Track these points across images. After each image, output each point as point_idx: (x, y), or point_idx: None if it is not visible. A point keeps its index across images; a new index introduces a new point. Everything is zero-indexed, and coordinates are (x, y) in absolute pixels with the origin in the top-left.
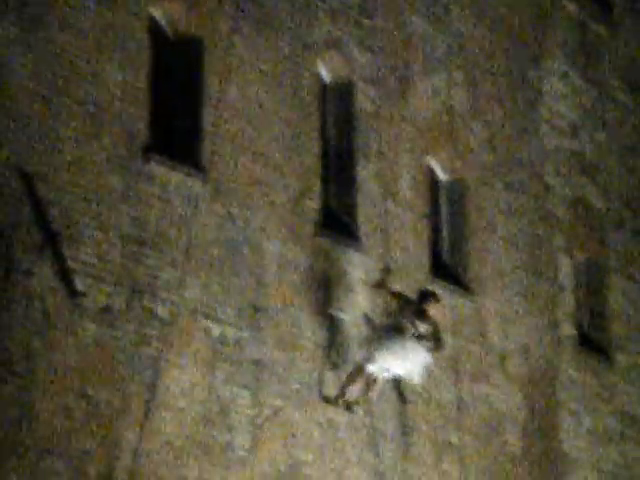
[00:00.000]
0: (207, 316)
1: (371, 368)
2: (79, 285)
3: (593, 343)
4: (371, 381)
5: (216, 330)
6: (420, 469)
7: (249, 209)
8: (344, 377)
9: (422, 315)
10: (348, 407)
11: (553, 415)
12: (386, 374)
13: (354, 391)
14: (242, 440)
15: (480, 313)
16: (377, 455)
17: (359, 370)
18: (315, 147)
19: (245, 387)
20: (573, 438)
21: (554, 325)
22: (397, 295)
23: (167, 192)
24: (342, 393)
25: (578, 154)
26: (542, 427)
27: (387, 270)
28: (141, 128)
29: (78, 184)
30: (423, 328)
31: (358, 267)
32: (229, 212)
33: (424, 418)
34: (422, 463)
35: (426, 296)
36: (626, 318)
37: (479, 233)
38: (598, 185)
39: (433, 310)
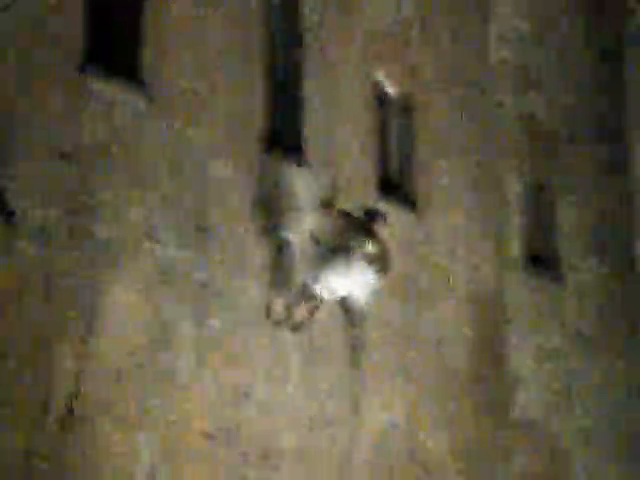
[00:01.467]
0: (150, 237)
1: (317, 289)
2: (13, 205)
3: (542, 262)
4: (317, 302)
5: (159, 251)
6: (368, 389)
7: (193, 127)
8: (290, 298)
9: (370, 235)
10: (294, 328)
11: (501, 334)
12: (333, 295)
13: (300, 312)
14: (186, 363)
15: (428, 232)
16: (325, 377)
17: (305, 291)
18: (261, 64)
19: (189, 309)
20: (520, 357)
21: (502, 244)
22: (344, 214)
23: (107, 108)
24: (288, 314)
25: (527, 69)
26: (490, 347)
27: (334, 189)
28: (76, 38)
29: (9, 100)
30: (371, 248)
31: (305, 186)
32: (173, 130)
33: (372, 339)
34: (370, 383)
35: (373, 215)
36: (575, 237)
37: (427, 151)
38: (548, 101)
39: (381, 230)
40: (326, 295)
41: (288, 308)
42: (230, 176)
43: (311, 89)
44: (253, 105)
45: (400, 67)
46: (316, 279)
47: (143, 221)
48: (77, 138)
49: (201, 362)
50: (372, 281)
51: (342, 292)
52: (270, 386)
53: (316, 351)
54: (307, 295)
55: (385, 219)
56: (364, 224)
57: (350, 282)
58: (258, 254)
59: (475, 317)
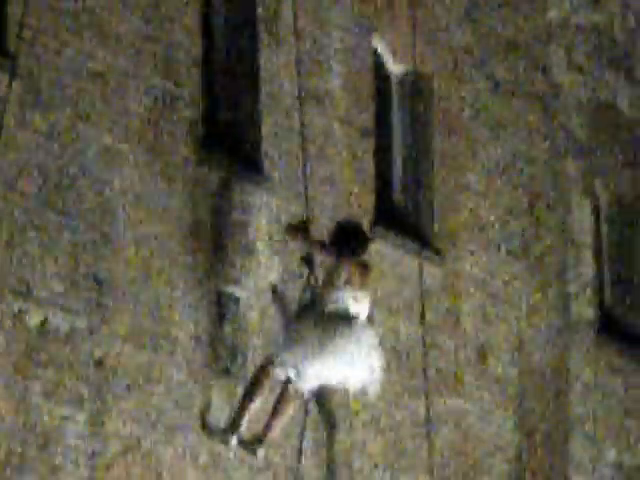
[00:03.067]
0: (17, 294)
1: (283, 376)
2: None
3: (621, 332)
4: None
5: (33, 316)
6: None
7: (85, 119)
8: (240, 392)
9: (361, 281)
10: (247, 445)
11: (561, 443)
12: (307, 385)
13: (256, 414)
14: None
15: (451, 284)
16: None
17: (265, 380)
18: (194, 20)
19: (80, 407)
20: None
21: (563, 304)
22: (319, 245)
23: None
24: (237, 420)
25: (603, 34)
26: (544, 462)
27: (306, 218)
28: None
29: None
30: (364, 302)
31: (261, 213)
32: (52, 123)
33: (367, 452)
34: None
35: (353, 241)
36: None
37: (451, 159)
38: (632, 83)
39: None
40: (296, 385)
41: (237, 409)
42: (143, 194)
43: (271, 62)
44: (179, 83)
45: (408, 30)
46: (280, 361)
47: (5, 268)
48: None
49: None
50: (371, 360)
51: (321, 380)
52: None
53: (280, 471)
54: (266, 386)
55: (367, 239)
56: (352, 259)
57: (334, 364)
58: (188, 319)
59: (523, 415)
